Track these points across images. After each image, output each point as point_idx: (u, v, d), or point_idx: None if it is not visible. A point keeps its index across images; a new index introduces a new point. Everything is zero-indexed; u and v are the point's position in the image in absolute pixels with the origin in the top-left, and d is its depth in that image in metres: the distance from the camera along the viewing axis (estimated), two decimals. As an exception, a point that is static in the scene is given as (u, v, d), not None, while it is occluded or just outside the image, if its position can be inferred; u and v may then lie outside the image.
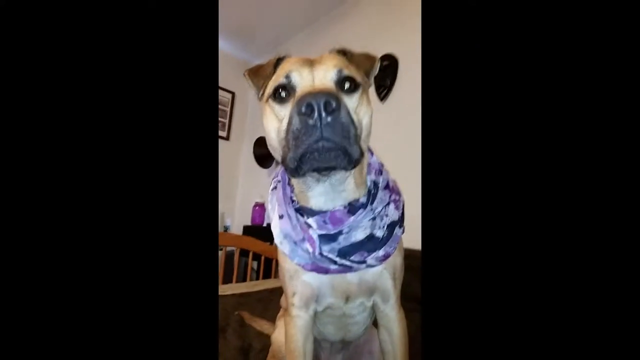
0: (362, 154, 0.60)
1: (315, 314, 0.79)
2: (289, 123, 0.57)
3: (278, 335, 0.95)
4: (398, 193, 0.79)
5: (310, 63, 0.64)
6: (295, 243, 0.73)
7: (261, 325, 1.28)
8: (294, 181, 0.74)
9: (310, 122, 0.54)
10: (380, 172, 0.77)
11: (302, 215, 0.72)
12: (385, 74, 2.30)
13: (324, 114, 0.54)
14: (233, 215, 3.64)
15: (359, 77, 0.66)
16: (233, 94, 3.69)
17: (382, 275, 0.76)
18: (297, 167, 0.57)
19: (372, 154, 0.79)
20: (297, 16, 2.99)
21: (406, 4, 2.29)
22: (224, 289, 1.84)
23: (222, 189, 3.50)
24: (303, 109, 0.54)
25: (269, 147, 0.66)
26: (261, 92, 0.69)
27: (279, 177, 0.81)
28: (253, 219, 3.14)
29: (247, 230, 3.02)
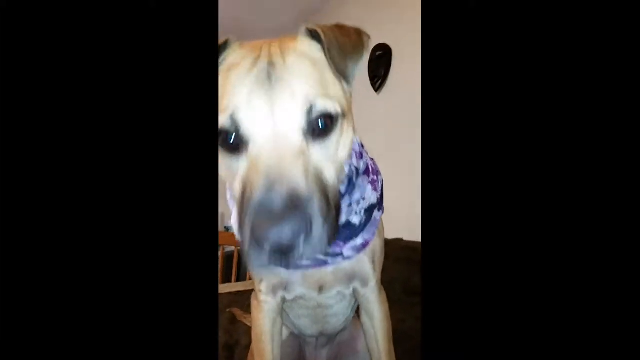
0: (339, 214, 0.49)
1: (287, 303, 0.74)
2: (243, 224, 0.43)
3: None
4: (376, 173, 0.71)
5: (268, 86, 0.46)
6: None
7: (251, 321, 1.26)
8: None
9: (272, 256, 0.42)
10: (360, 155, 0.68)
11: None
12: (379, 64, 2.26)
13: (287, 253, 0.41)
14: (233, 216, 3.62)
15: (337, 102, 0.49)
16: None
17: (361, 260, 0.69)
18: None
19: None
20: (290, 11, 2.97)
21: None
22: (222, 288, 1.84)
23: (222, 190, 3.49)
24: (265, 246, 0.41)
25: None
26: None
27: None
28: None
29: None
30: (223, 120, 0.47)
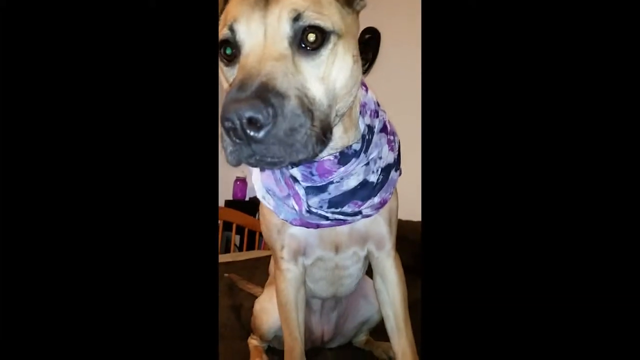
0: (330, 131, 0.51)
1: (306, 270, 0.76)
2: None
3: (260, 302, 0.94)
4: (393, 133, 0.71)
5: (264, 4, 0.49)
6: (279, 198, 0.67)
7: (250, 288, 1.32)
8: None
9: (237, 140, 0.44)
10: (376, 113, 0.68)
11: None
12: (367, 48, 2.31)
13: (251, 133, 0.43)
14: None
15: (329, 19, 0.50)
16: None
17: (376, 221, 0.70)
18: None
19: (366, 90, 0.68)
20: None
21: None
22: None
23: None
24: (225, 125, 0.43)
25: None
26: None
27: None
28: (235, 194, 3.14)
29: (229, 204, 3.02)
30: (223, 32, 0.51)
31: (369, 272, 0.85)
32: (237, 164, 0.48)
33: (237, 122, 0.42)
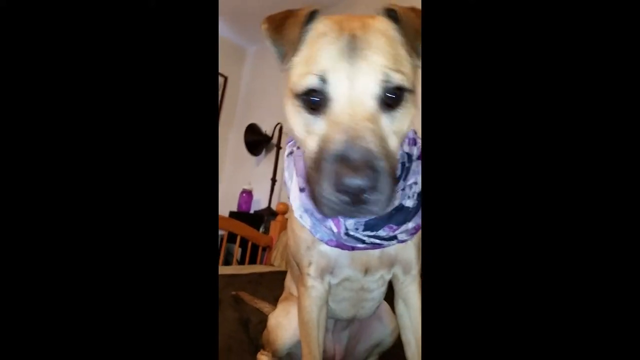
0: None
1: (330, 289, 0.75)
2: (320, 170, 0.50)
3: (276, 317, 0.92)
4: None
5: (350, 55, 0.53)
6: (317, 219, 0.68)
7: (256, 303, 1.29)
8: None
9: (345, 199, 0.49)
10: (414, 141, 0.71)
11: None
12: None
13: (361, 197, 0.48)
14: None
15: (408, 78, 0.55)
16: (226, 78, 3.66)
17: (406, 246, 0.71)
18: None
19: None
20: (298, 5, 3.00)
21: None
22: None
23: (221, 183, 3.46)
24: (339, 189, 0.48)
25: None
26: (284, 58, 0.58)
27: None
28: (239, 206, 3.13)
29: (233, 216, 3.01)
30: (312, 81, 0.53)
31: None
32: (336, 215, 0.55)
33: (352, 190, 0.47)
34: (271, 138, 3.09)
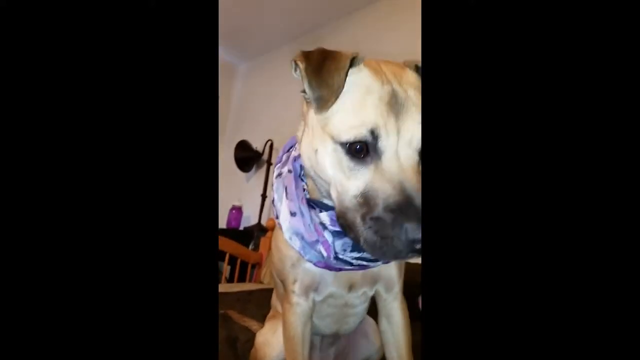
0: None
1: (314, 305, 0.77)
2: (368, 214, 0.55)
3: (263, 335, 0.93)
4: None
5: (397, 110, 0.57)
6: (307, 243, 0.70)
7: (245, 321, 1.29)
8: (307, 176, 0.71)
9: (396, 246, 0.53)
10: None
11: (313, 207, 0.69)
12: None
13: (414, 246, 0.52)
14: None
15: None
16: (216, 96, 3.69)
17: (389, 265, 0.74)
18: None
19: None
20: (290, 24, 3.07)
21: (398, 12, 2.44)
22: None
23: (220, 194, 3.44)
24: (397, 230, 0.53)
25: (320, 183, 0.65)
26: (322, 102, 0.59)
27: (289, 166, 0.75)
28: (229, 222, 3.11)
29: (222, 233, 2.98)
30: (364, 134, 0.57)
31: (370, 311, 0.86)
32: (390, 259, 0.64)
33: (415, 239, 0.52)
34: (262, 154, 3.10)
